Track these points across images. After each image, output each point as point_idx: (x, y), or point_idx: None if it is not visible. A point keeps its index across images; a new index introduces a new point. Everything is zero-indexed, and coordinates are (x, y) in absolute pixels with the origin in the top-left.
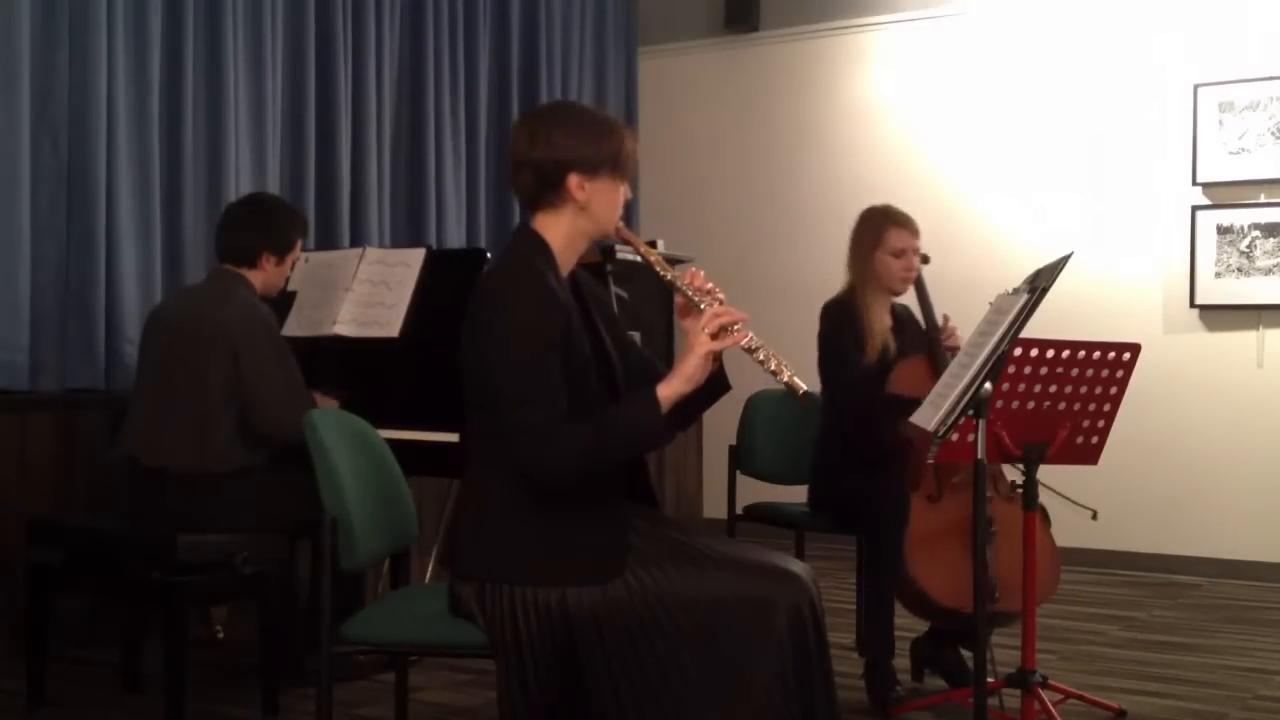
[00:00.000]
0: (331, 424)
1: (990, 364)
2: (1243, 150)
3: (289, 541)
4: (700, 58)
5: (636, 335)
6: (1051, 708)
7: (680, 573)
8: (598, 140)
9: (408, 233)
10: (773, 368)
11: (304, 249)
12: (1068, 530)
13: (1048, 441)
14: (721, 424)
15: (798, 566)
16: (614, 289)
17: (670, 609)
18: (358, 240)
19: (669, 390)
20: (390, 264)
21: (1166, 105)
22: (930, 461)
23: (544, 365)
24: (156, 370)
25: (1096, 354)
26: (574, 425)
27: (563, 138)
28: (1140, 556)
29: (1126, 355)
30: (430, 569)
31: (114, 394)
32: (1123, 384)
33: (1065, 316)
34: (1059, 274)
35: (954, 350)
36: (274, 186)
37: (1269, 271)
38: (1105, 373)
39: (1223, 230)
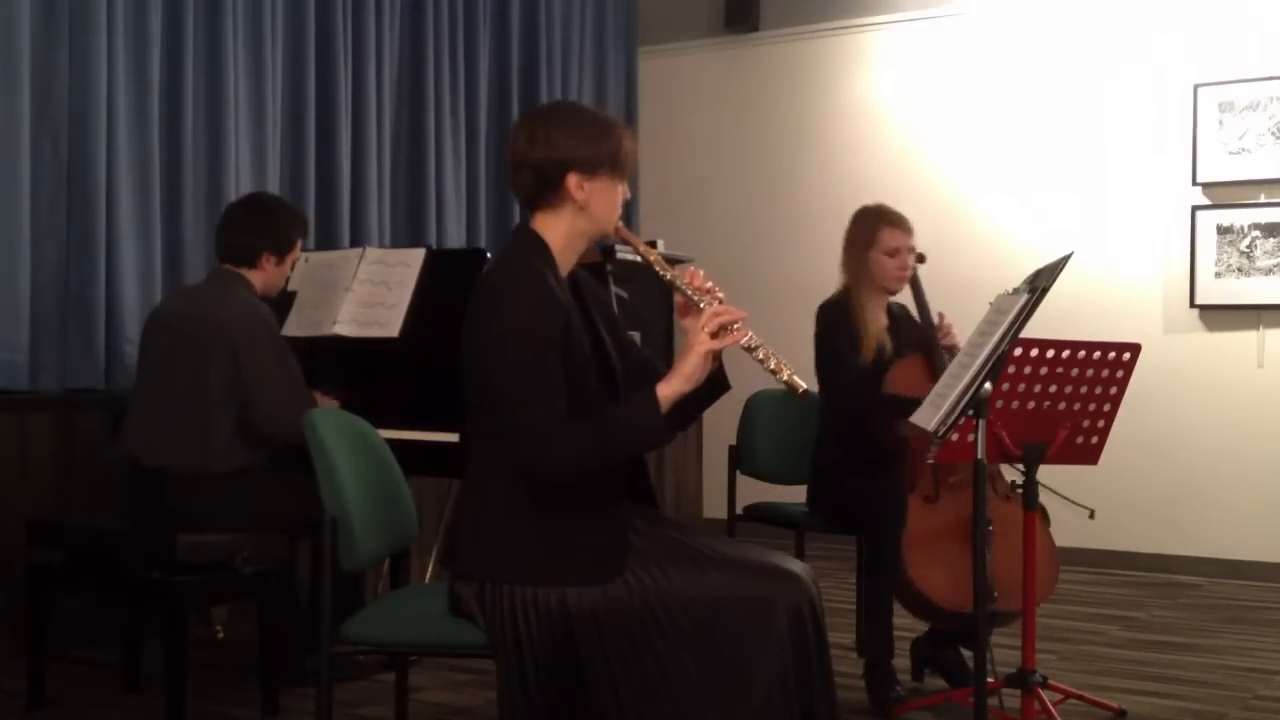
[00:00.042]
0: (331, 424)
1: (990, 364)
2: (1243, 150)
3: (289, 541)
4: (700, 58)
5: (636, 335)
6: (1051, 708)
7: (680, 573)
8: (597, 140)
9: (408, 233)
10: (772, 366)
11: (304, 249)
12: (1067, 530)
13: (1048, 441)
14: (721, 424)
15: (798, 566)
16: (614, 289)
17: (670, 609)
18: (358, 240)
19: (669, 389)
20: (390, 264)
21: (1166, 105)
22: (930, 461)
23: (544, 365)
24: (156, 370)
25: (1096, 354)
26: (574, 425)
27: (561, 137)
28: (1140, 556)
29: (1126, 355)
30: (430, 569)
31: (114, 394)
32: (1123, 384)
33: (1065, 316)
34: (1059, 274)
35: (950, 349)
36: (274, 186)
37: (1269, 271)
38: (1105, 373)
39: (1223, 230)
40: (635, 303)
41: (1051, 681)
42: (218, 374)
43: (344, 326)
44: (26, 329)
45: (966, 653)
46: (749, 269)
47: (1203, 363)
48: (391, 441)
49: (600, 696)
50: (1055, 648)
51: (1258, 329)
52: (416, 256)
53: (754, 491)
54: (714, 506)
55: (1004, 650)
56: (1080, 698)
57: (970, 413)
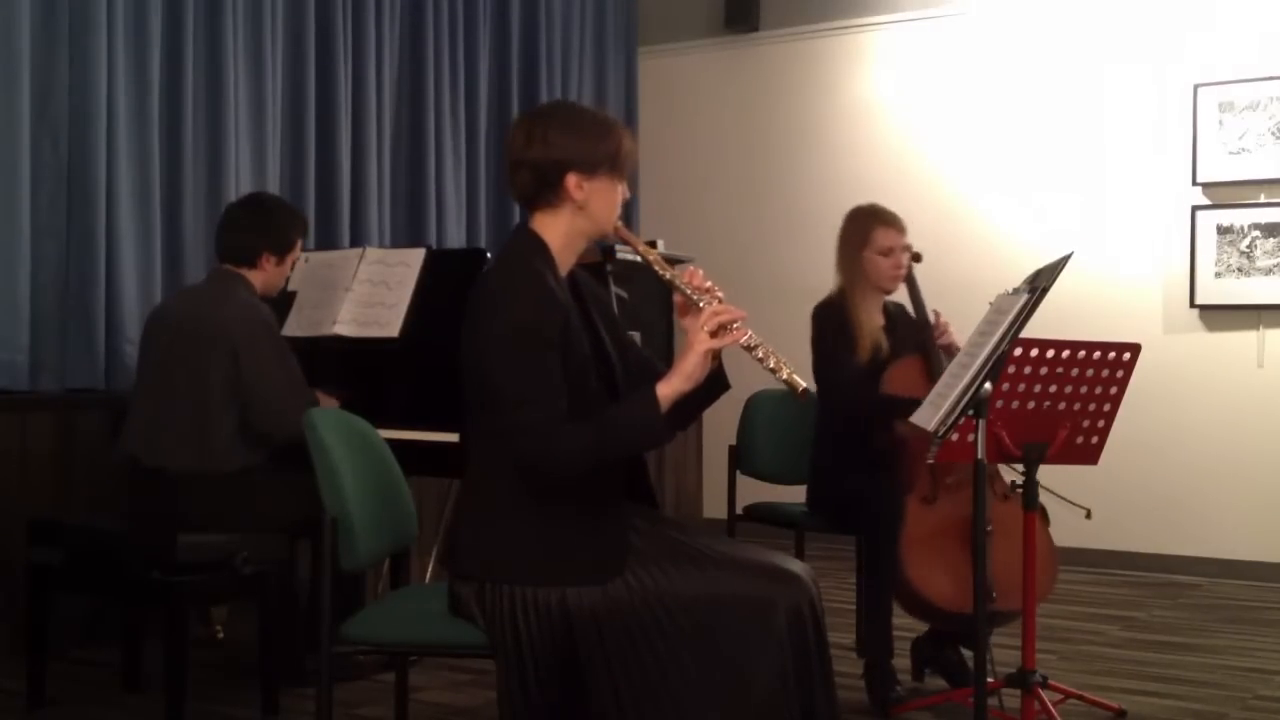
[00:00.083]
0: (331, 424)
1: (990, 364)
2: (1243, 150)
3: (289, 541)
4: (700, 58)
5: (636, 335)
6: (1051, 708)
7: (680, 573)
8: (596, 140)
9: (408, 233)
10: (772, 365)
11: (304, 249)
12: (1067, 530)
13: (1048, 441)
14: (721, 424)
15: (798, 566)
16: (614, 289)
17: (670, 609)
18: (358, 240)
19: (669, 389)
20: (390, 264)
21: (1166, 105)
22: (930, 462)
23: (544, 365)
24: (156, 370)
25: (1096, 354)
26: (574, 425)
27: (560, 137)
28: (1140, 556)
29: (1126, 355)
30: (430, 569)
31: (114, 394)
32: (1123, 384)
33: (1065, 316)
34: (1059, 274)
35: (947, 348)
36: (274, 186)
37: (1269, 271)
38: (1105, 373)
39: (1223, 230)
40: (635, 303)
41: (1051, 681)
42: (218, 374)
43: (344, 326)
44: (26, 329)
45: (966, 653)
46: (749, 269)
47: (1203, 363)
48: (391, 441)
49: (600, 696)
50: (1055, 648)
51: (1258, 329)
52: (416, 256)
53: (754, 491)
54: (714, 506)
55: (1004, 650)
56: (1080, 698)
57: (970, 413)
